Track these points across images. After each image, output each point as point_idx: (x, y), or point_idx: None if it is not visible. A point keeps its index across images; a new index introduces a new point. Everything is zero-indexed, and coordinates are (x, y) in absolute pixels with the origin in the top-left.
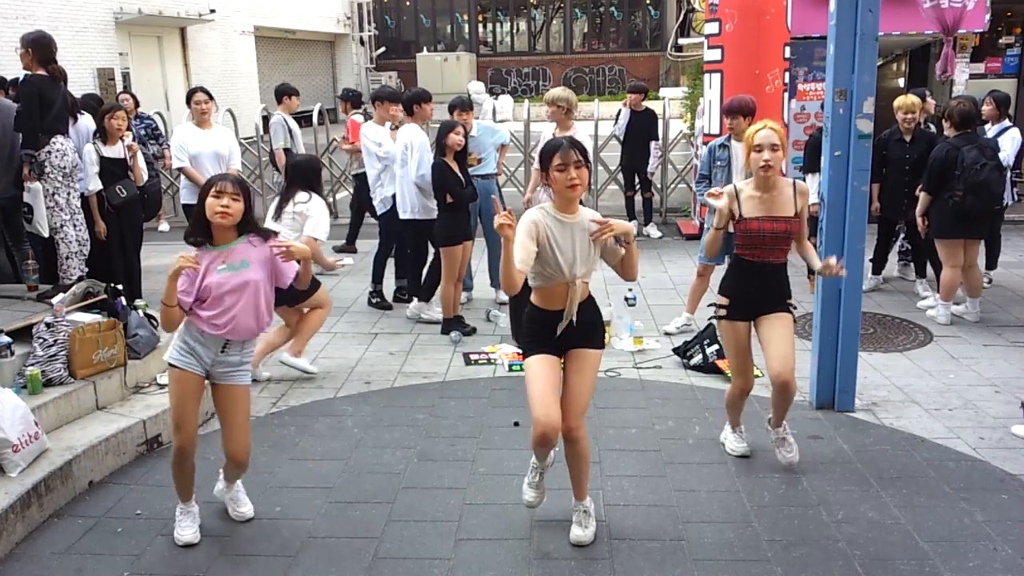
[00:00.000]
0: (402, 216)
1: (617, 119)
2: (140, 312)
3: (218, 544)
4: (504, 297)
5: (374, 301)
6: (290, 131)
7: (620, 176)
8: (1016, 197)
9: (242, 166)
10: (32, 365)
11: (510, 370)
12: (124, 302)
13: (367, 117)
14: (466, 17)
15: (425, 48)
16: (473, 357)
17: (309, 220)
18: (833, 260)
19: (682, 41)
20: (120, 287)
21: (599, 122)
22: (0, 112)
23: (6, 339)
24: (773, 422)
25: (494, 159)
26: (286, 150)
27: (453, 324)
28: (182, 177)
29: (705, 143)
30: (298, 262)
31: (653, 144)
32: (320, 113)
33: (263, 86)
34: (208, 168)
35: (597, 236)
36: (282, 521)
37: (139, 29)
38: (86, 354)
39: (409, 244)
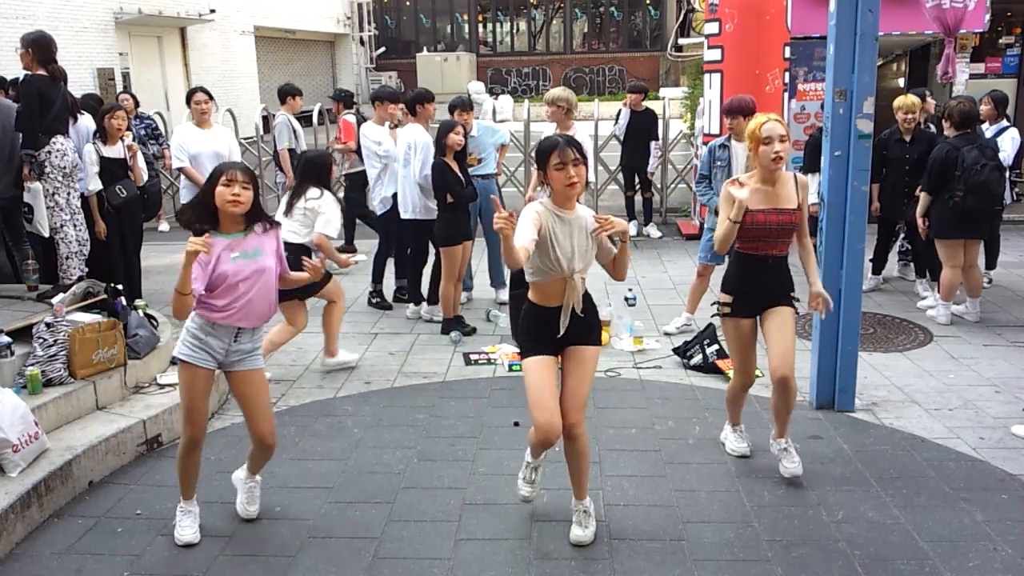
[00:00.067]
0: (403, 216)
1: (617, 119)
2: (140, 312)
3: (218, 544)
4: (504, 297)
5: (374, 301)
6: (294, 131)
7: (620, 176)
8: (1016, 197)
9: None
10: (32, 365)
11: (510, 370)
12: (124, 302)
13: (359, 117)
14: (466, 17)
15: (425, 48)
16: (473, 357)
17: (320, 217)
18: (822, 299)
19: (682, 41)
20: (120, 287)
21: (599, 122)
22: (0, 112)
23: (6, 339)
24: (775, 432)
25: (494, 159)
26: (290, 150)
27: (453, 324)
28: (182, 177)
29: (705, 143)
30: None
31: (653, 144)
32: (320, 113)
33: (263, 86)
34: (208, 168)
35: (598, 232)
36: (282, 521)
37: (139, 29)
38: (86, 354)
39: (409, 244)
